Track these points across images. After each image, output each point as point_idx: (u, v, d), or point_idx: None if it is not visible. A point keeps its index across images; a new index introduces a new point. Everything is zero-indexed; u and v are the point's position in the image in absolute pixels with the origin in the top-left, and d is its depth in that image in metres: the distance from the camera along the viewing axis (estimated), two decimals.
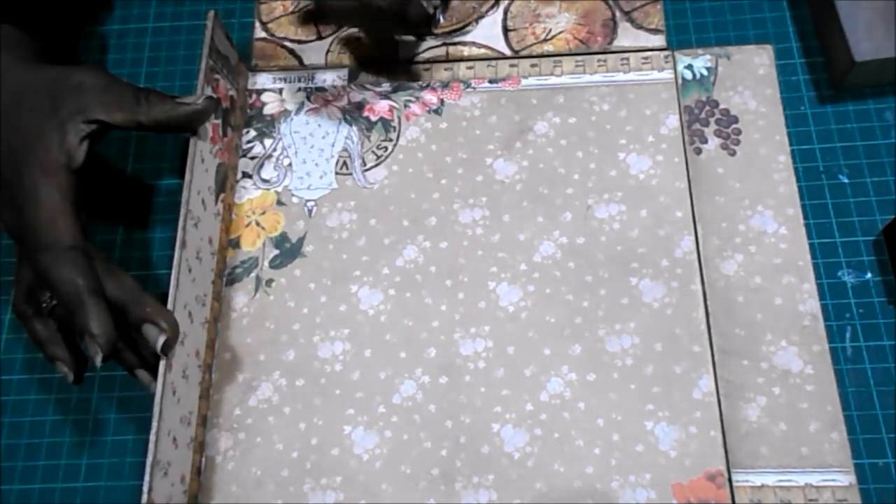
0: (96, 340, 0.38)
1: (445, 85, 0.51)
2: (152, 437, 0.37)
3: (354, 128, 0.50)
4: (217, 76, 0.47)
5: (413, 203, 0.48)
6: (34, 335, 0.44)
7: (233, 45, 0.49)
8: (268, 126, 0.51)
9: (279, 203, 0.49)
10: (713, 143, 0.48)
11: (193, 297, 0.43)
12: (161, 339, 0.39)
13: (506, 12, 0.53)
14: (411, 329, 0.45)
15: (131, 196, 0.52)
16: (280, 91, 0.52)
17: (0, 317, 0.48)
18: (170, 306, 0.40)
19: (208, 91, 0.45)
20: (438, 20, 0.47)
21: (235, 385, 0.44)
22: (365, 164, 0.49)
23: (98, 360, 0.38)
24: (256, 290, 0.46)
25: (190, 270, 0.42)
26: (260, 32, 0.54)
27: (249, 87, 0.52)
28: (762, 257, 0.45)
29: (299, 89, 0.52)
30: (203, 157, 0.44)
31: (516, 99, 0.50)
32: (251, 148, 0.50)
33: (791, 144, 0.47)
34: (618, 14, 0.52)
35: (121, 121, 0.42)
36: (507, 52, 0.51)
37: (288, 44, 0.53)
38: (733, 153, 0.47)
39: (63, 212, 0.40)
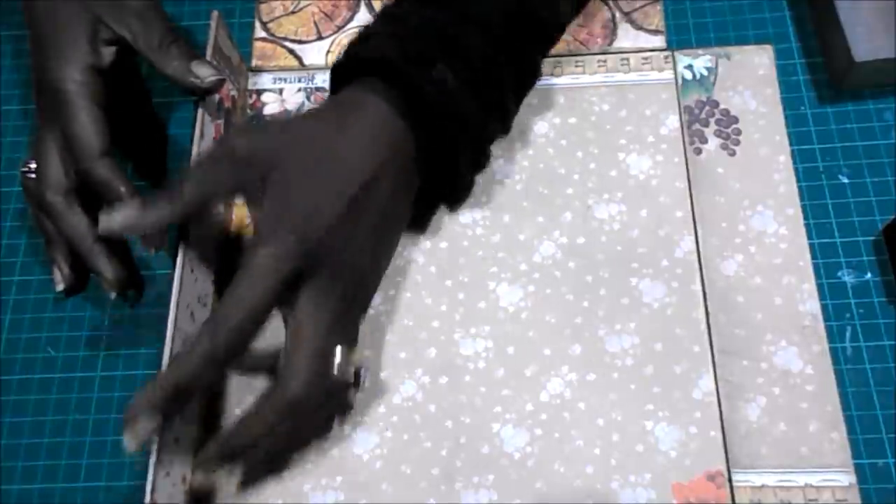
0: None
1: None
2: (154, 438, 0.37)
3: None
4: None
5: None
6: (44, 228, 0.44)
7: (235, 45, 0.49)
8: None
9: None
10: (713, 143, 0.48)
11: (195, 297, 0.43)
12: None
13: None
14: (411, 329, 0.45)
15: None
16: (280, 91, 0.52)
17: (0, 317, 0.48)
18: (171, 306, 0.40)
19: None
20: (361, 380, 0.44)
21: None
22: None
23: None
24: None
25: (192, 270, 0.42)
26: (260, 32, 0.54)
27: (249, 87, 0.52)
28: (762, 257, 0.45)
29: (299, 89, 0.52)
30: None
31: None
32: None
33: (791, 144, 0.47)
34: (618, 15, 0.52)
35: (139, 48, 0.43)
36: None
37: (288, 44, 0.53)
38: (733, 153, 0.47)
39: (95, 119, 0.41)
